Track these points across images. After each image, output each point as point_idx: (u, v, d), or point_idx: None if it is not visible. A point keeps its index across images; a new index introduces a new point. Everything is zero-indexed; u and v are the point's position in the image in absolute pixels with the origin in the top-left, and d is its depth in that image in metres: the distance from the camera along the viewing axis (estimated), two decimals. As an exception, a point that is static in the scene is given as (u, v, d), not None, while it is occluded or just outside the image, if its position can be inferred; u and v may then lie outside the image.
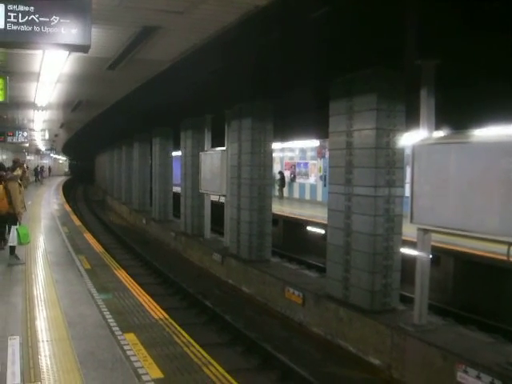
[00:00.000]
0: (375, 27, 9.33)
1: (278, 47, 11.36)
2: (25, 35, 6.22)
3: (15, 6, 6.16)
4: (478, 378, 7.27)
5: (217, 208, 19.48)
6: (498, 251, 11.27)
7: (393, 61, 9.47)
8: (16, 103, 18.08)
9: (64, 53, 10.23)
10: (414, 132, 9.29)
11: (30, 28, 6.19)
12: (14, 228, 11.59)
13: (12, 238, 11.51)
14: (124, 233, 27.03)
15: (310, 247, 20.35)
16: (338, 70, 10.47)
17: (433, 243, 9.31)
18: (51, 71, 12.50)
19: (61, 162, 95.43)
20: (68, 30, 6.34)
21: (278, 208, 21.95)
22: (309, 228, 20.01)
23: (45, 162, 73.72)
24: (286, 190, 31.19)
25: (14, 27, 6.15)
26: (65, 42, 6.40)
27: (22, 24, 6.19)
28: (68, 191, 49.21)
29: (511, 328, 10.90)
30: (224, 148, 17.00)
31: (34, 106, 19.04)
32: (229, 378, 6.11)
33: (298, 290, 11.93)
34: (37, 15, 6.20)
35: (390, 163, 9.87)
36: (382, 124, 9.74)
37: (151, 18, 8.59)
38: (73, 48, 6.80)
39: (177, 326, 7.98)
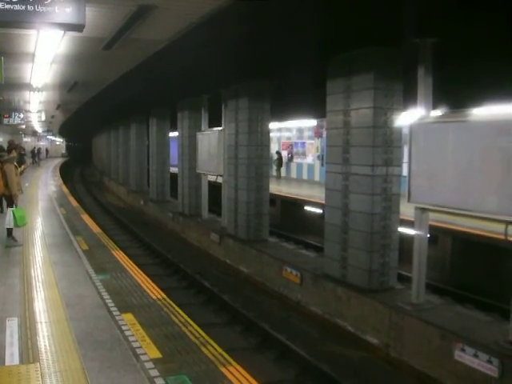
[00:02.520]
0: (373, 5, 9.23)
1: (275, 25, 11.25)
2: (18, 14, 6.14)
3: (8, -16, 6.08)
4: (476, 356, 7.31)
5: (214, 188, 19.45)
6: (496, 230, 11.28)
7: (390, 39, 9.40)
8: (11, 84, 17.93)
9: (59, 32, 10.11)
10: (412, 111, 9.24)
11: (24, 7, 6.12)
12: (10, 210, 11.58)
13: (8, 221, 11.51)
14: (121, 214, 27.00)
15: (307, 227, 20.37)
16: (336, 48, 10.39)
17: (430, 222, 9.31)
18: (46, 51, 12.36)
19: (58, 143, 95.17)
20: (62, 8, 6.27)
21: (275, 188, 21.93)
22: (306, 208, 20.02)
23: (42, 143, 73.51)
24: (283, 169, 31.13)
25: (7, 6, 6.07)
26: (59, 21, 6.34)
27: (16, 3, 6.12)
28: (65, 173, 49.10)
29: (509, 306, 10.93)
30: (221, 128, 16.94)
31: (29, 87, 18.87)
32: (227, 357, 6.13)
33: (295, 269, 11.95)
34: (30, -7, 6.12)
35: (387, 142, 9.83)
36: (379, 103, 9.69)
37: (146, -3, 8.47)
38: (67, 27, 6.74)
39: (175, 305, 7.99)
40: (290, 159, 31.20)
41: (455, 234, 13.13)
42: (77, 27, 6.61)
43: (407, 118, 9.44)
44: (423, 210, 8.80)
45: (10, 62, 13.23)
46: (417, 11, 8.84)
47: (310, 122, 28.08)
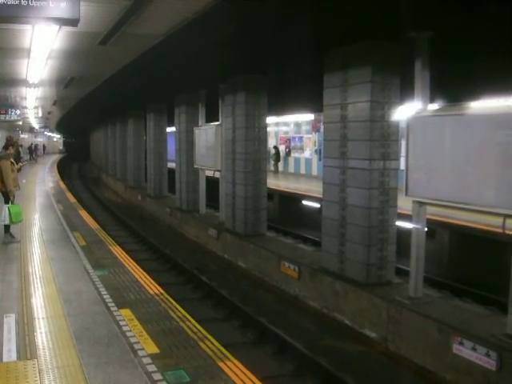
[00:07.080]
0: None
1: (272, 19, 11.23)
2: (12, 9, 6.10)
3: (2, -21, 6.04)
4: (474, 349, 7.31)
5: (212, 183, 19.43)
6: (493, 224, 11.28)
7: (387, 33, 9.36)
8: (7, 80, 17.91)
9: (54, 27, 10.07)
10: (409, 105, 9.22)
11: (17, 1, 6.08)
12: (5, 207, 11.58)
13: (4, 217, 11.51)
14: (119, 209, 26.98)
15: (305, 221, 20.36)
16: (332, 42, 10.35)
17: (428, 216, 9.29)
18: (42, 47, 12.32)
19: (55, 139, 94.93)
20: (57, 3, 6.24)
21: (273, 182, 21.93)
22: (304, 202, 20.01)
23: (39, 140, 73.37)
24: (281, 164, 31.15)
25: (1, 1, 6.03)
26: (53, 16, 6.31)
27: (9, -3, 6.08)
28: (63, 169, 49.06)
29: (506, 300, 10.93)
30: (218, 123, 16.90)
31: (25, 83, 18.81)
32: (225, 352, 6.11)
33: (293, 263, 11.94)
34: (24, -12, 6.08)
35: (384, 136, 9.81)
36: (376, 97, 9.66)
37: (142, -9, 8.45)
38: (62, 22, 6.70)
39: (173, 301, 7.97)
40: (288, 153, 31.19)
41: (453, 227, 13.13)
42: (71, 22, 6.58)
43: (404, 112, 9.42)
44: (421, 203, 8.79)
45: (5, 58, 13.21)
46: (413, 5, 8.81)
47: (308, 117, 28.06)
